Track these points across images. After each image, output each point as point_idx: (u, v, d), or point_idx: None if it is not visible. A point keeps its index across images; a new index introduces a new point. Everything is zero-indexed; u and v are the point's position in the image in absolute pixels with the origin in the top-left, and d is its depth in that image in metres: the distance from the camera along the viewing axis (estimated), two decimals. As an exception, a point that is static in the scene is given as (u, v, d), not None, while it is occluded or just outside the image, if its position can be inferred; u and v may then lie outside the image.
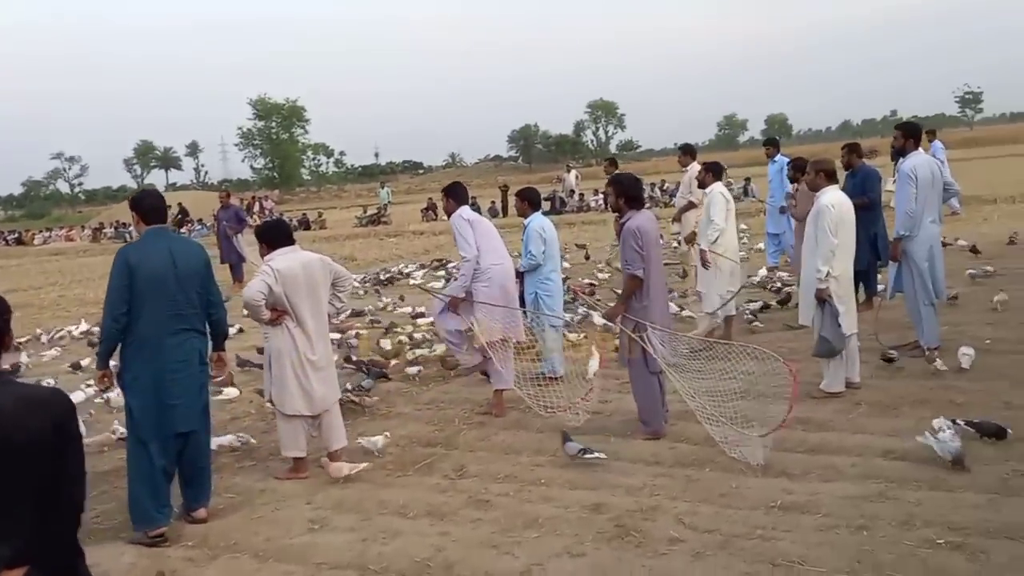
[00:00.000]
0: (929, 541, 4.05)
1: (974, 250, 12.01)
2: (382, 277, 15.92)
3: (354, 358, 8.63)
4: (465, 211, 6.86)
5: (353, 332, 10.06)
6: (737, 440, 5.36)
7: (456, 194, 6.96)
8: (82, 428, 2.72)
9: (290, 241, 5.74)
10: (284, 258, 5.57)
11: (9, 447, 2.34)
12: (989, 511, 4.31)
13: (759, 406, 5.54)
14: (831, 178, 6.58)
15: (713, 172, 8.67)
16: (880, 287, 9.07)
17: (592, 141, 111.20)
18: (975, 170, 28.11)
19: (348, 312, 11.49)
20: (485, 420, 6.69)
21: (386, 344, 9.32)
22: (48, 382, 8.53)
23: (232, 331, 9.84)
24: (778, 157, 11.89)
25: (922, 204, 7.07)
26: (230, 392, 7.90)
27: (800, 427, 5.84)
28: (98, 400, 7.85)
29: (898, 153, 7.56)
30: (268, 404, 6.28)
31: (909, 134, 7.36)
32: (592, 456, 5.47)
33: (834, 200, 6.40)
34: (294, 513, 5.14)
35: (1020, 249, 12.73)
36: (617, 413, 6.50)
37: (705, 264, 8.45)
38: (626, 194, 6.02)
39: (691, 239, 9.76)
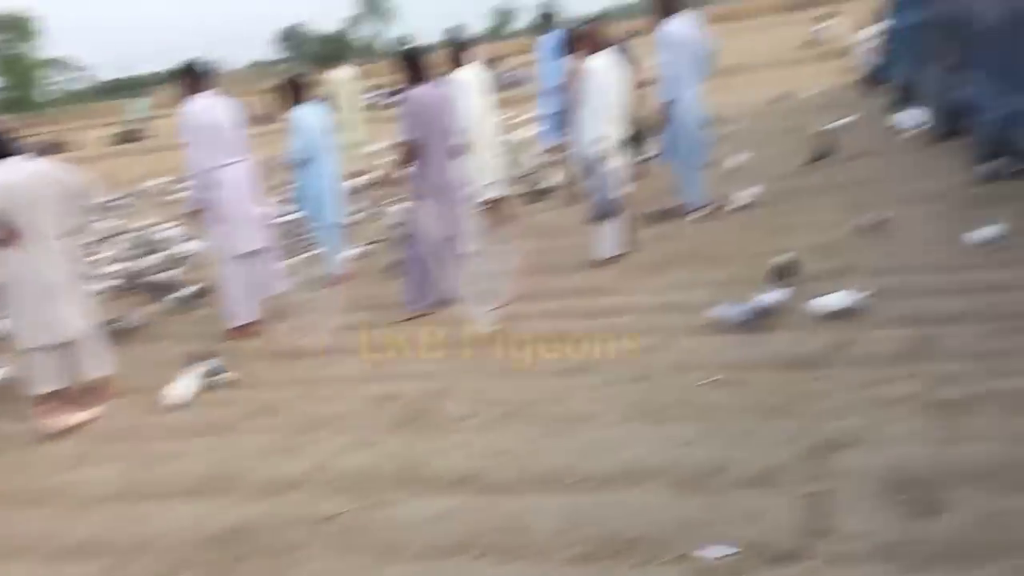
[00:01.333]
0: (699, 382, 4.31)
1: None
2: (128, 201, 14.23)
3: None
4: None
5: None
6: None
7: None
8: None
9: (11, 153, 4.98)
10: (2, 171, 4.85)
11: None
12: (747, 348, 4.64)
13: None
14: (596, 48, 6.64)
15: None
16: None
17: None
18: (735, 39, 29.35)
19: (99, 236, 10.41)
20: (262, 330, 6.34)
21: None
22: None
23: None
24: (552, 32, 11.57)
25: (683, 69, 7.24)
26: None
27: (574, 296, 6.02)
28: None
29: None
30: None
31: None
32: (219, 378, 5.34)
33: (599, 64, 6.49)
34: (54, 450, 4.68)
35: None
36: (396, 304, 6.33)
37: None
38: (407, 67, 6.09)
39: None
